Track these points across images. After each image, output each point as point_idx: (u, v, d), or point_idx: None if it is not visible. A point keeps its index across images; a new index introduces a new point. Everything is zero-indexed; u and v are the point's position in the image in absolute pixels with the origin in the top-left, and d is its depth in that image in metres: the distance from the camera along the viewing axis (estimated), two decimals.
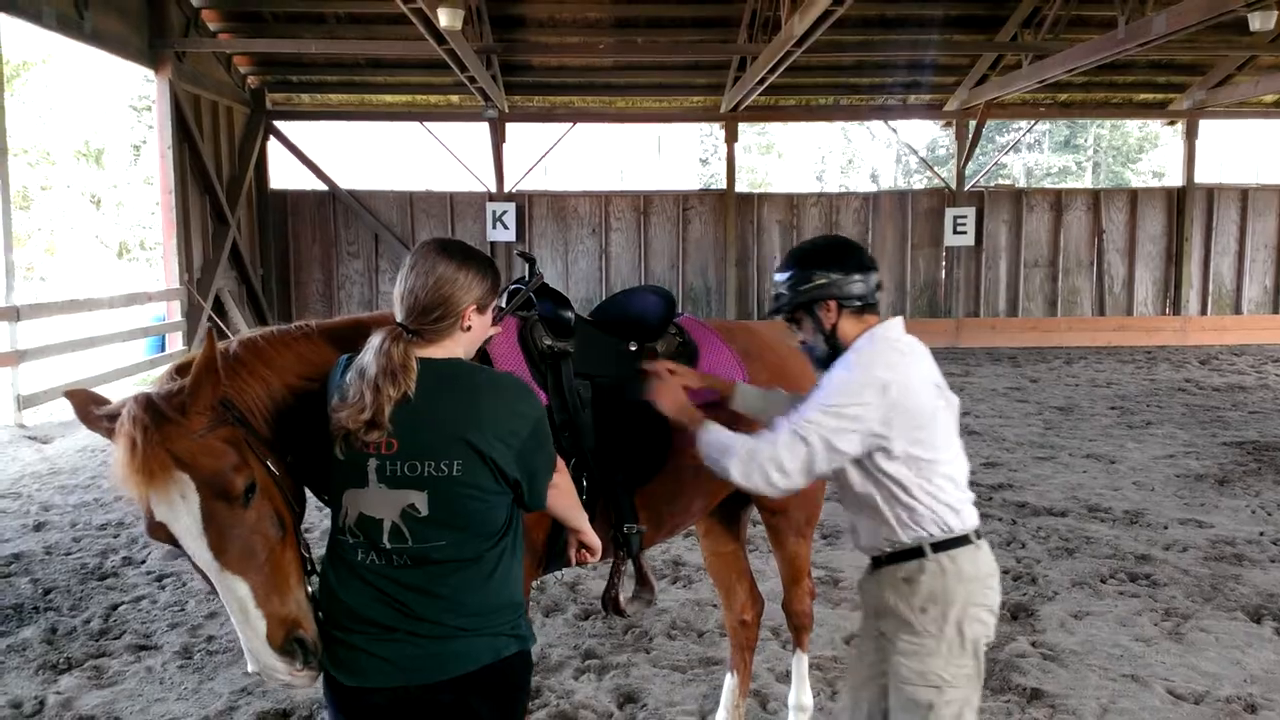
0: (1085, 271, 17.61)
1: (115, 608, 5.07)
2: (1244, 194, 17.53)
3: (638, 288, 3.28)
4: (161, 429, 1.92)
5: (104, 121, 28.51)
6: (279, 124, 16.75)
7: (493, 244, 16.86)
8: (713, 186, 22.84)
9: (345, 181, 17.16)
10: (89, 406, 2.08)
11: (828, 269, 2.61)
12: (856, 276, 2.61)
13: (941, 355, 15.72)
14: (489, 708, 2.04)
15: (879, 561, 2.56)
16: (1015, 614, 4.86)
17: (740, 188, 18.35)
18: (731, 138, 17.43)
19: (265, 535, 2.01)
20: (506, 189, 17.06)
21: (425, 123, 17.21)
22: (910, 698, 2.44)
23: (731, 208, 17.26)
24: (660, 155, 41.29)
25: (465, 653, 2.01)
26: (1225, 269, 17.58)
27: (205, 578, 2.04)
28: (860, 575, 2.73)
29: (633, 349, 3.00)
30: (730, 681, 3.61)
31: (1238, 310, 17.56)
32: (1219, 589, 5.14)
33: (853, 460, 2.46)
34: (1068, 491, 7.17)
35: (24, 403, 10.22)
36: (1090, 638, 4.53)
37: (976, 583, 2.46)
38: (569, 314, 2.86)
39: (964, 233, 17.06)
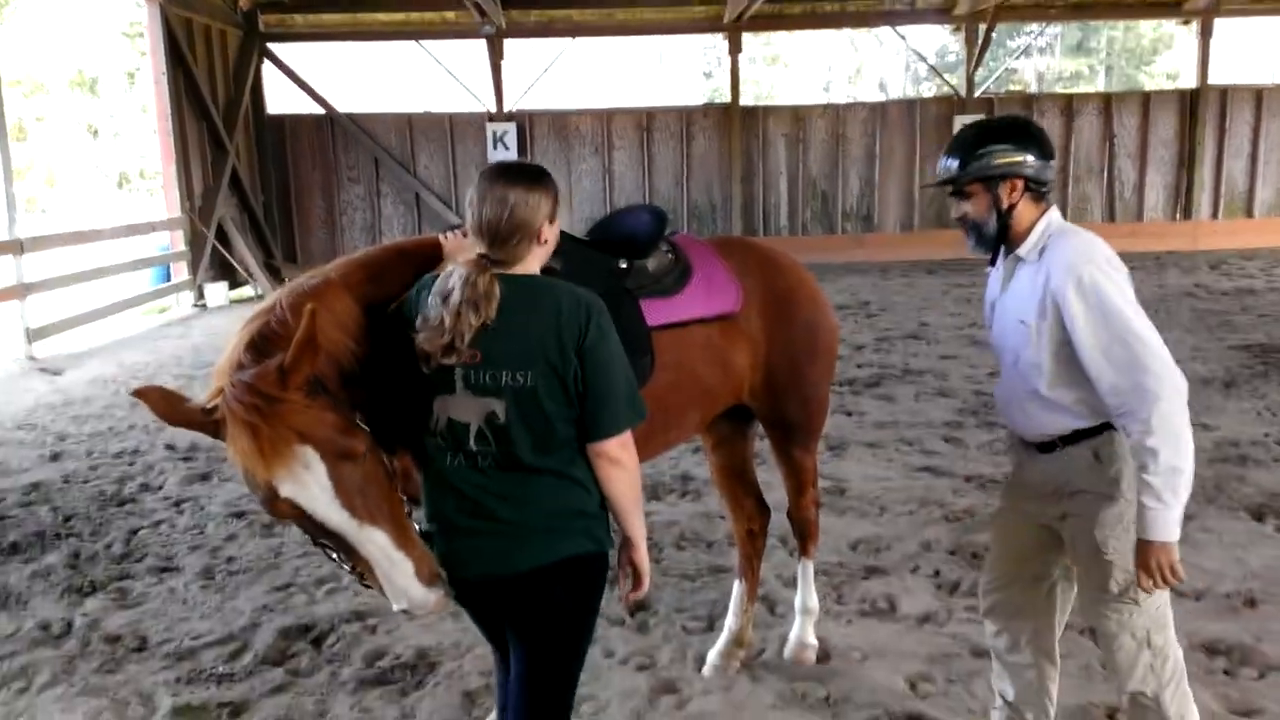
0: (1095, 178, 17.35)
1: (135, 532, 5.18)
2: (1259, 94, 17.15)
3: (632, 206, 3.25)
4: (274, 408, 1.98)
5: (97, 50, 28.02)
6: (273, 46, 16.43)
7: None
8: (716, 101, 22.46)
9: (343, 105, 16.92)
10: (171, 404, 2.08)
11: (1024, 147, 2.58)
12: (1047, 161, 2.60)
13: (951, 266, 15.52)
14: (567, 597, 2.24)
15: (1047, 446, 2.60)
16: None
17: (745, 101, 17.99)
18: (735, 49, 17.03)
19: (381, 484, 2.13)
20: (506, 109, 16.80)
21: (421, 41, 16.87)
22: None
23: (736, 122, 16.98)
24: (663, 69, 40.47)
25: (543, 548, 2.20)
26: (1238, 172, 17.30)
27: (328, 546, 2.14)
28: (1017, 469, 2.79)
29: (623, 266, 2.99)
30: (739, 588, 3.69)
31: (1249, 214, 17.34)
32: (1222, 489, 5.19)
33: (1064, 344, 2.47)
34: None
35: (34, 335, 10.28)
36: None
37: None
38: None
39: None
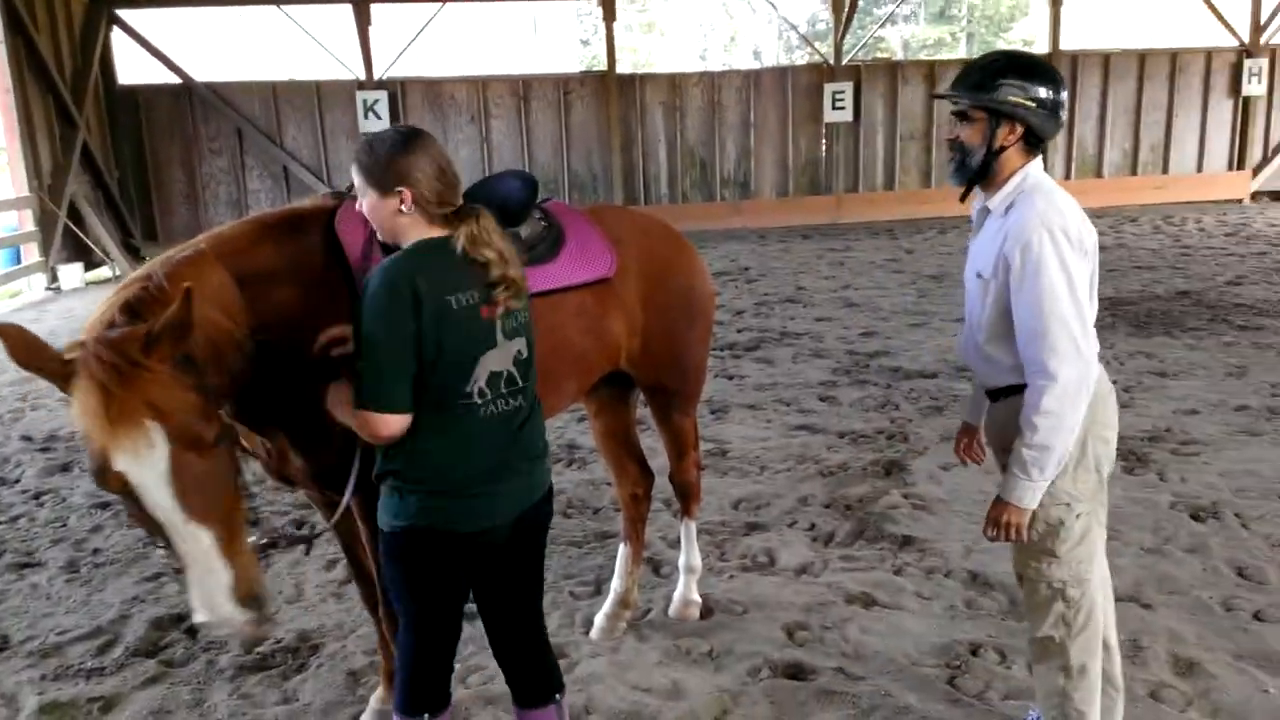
0: None
1: None
2: (1106, 59, 18.07)
3: (501, 173, 3.24)
4: (133, 373, 1.87)
5: None
6: (122, 13, 15.50)
7: (366, 135, 16.19)
8: (594, 68, 22.31)
9: (202, 74, 16.12)
10: (30, 346, 1.93)
11: (1041, 93, 2.47)
12: (1055, 116, 2.51)
13: (823, 231, 15.96)
14: (549, 512, 2.51)
15: (997, 394, 2.62)
16: (889, 470, 5.14)
17: (622, 69, 17.96)
18: (610, 16, 16.94)
19: (225, 483, 2.01)
20: (377, 76, 16.32)
21: (283, 6, 16.19)
22: (1041, 519, 2.50)
23: (613, 90, 16.93)
24: (539, 37, 39.92)
25: (545, 473, 2.45)
26: (1088, 134, 18.24)
27: (151, 528, 2.00)
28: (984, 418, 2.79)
29: None
30: (624, 551, 3.75)
31: (1099, 174, 18.32)
32: None
33: (1008, 305, 2.46)
34: (938, 354, 7.52)
35: None
36: (956, 487, 4.84)
37: (1097, 401, 2.49)
38: None
39: (842, 108, 17.19)
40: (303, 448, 2.58)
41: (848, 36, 17.64)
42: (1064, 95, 2.53)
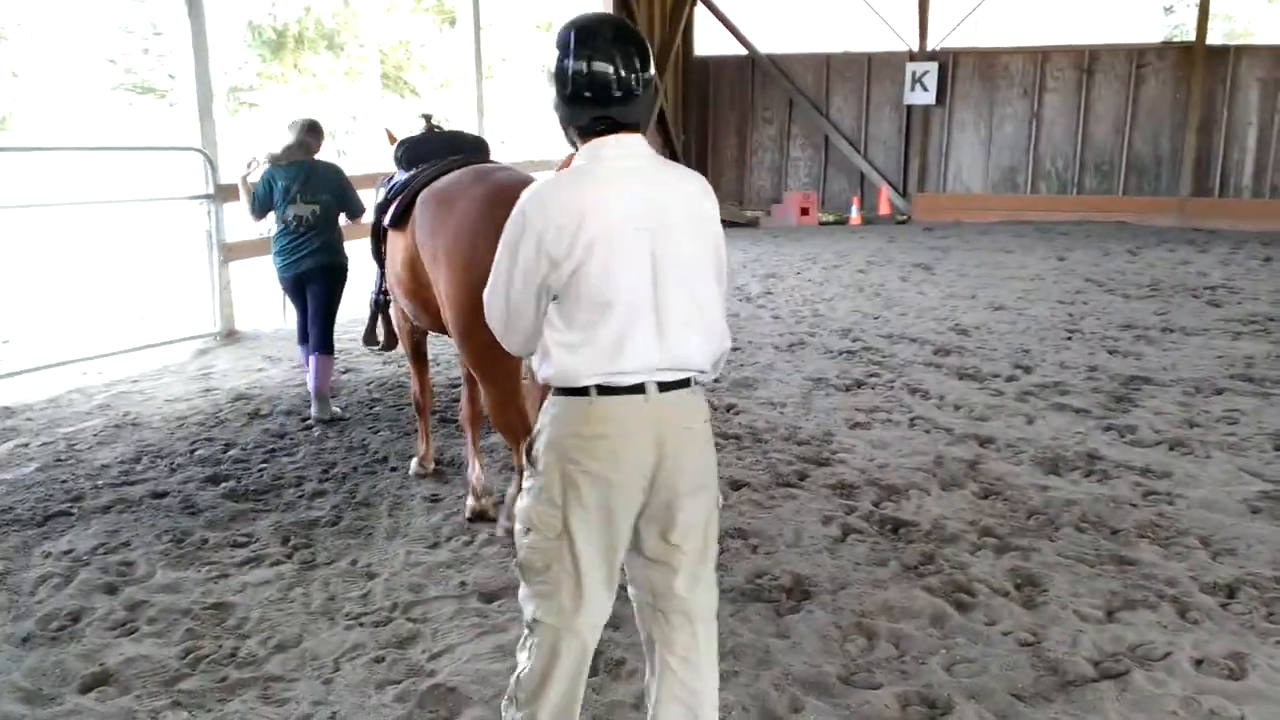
0: None
1: None
2: None
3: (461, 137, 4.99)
4: None
5: None
6: None
7: (909, 108, 16.17)
8: (1176, 39, 19.76)
9: (765, 45, 17.25)
10: None
11: (549, 58, 2.25)
12: (558, 85, 2.24)
13: None
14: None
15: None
16: None
17: (1214, 39, 15.67)
18: None
19: None
20: (930, 47, 16.13)
21: None
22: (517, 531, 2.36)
23: (1200, 63, 14.88)
24: (1113, 2, 36.28)
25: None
26: None
27: None
28: None
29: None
30: None
31: None
32: None
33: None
34: None
35: None
36: None
37: (580, 438, 2.17)
38: None
39: None
40: None
41: None
42: (563, 63, 2.18)
